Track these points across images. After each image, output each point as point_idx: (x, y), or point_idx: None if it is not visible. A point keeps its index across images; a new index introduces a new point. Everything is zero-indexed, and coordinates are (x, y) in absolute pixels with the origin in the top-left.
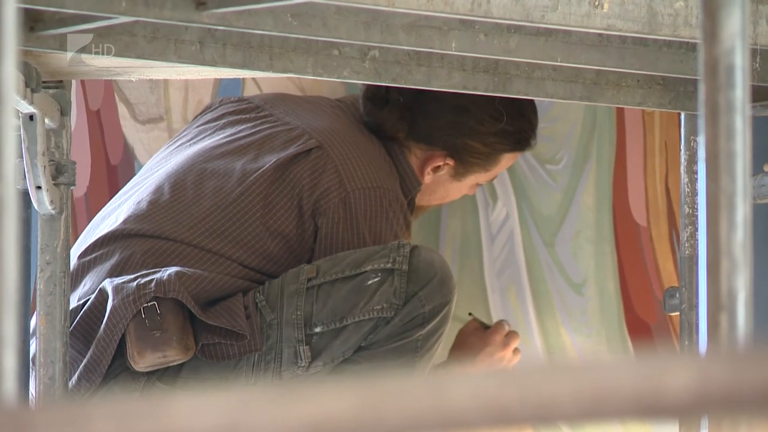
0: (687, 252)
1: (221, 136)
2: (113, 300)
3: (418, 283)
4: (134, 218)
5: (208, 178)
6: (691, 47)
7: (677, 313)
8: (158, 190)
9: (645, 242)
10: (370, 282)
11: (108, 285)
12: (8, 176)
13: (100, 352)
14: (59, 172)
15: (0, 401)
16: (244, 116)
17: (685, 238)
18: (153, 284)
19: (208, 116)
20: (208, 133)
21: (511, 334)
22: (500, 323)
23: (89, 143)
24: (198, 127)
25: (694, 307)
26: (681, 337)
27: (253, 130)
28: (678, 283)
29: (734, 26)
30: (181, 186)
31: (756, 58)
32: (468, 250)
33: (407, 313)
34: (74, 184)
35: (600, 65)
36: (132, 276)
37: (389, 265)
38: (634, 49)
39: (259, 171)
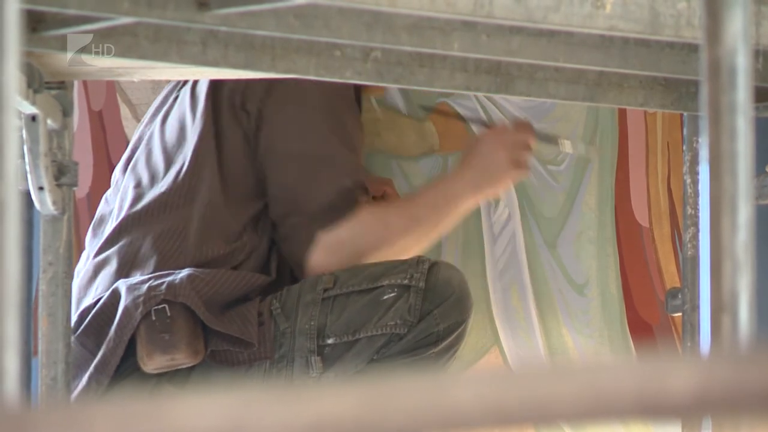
0: (689, 253)
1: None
2: (125, 300)
3: (434, 301)
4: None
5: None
6: (694, 48)
7: (679, 314)
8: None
9: (647, 243)
10: (385, 297)
11: (122, 285)
12: (10, 177)
13: (110, 352)
14: (61, 172)
15: (1, 402)
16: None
17: (688, 239)
18: (164, 287)
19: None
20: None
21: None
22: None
23: (91, 144)
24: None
25: (696, 308)
26: (683, 338)
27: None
28: (680, 283)
29: (737, 27)
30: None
31: (758, 59)
32: (470, 250)
33: (421, 330)
34: (77, 185)
35: (602, 66)
36: (147, 276)
37: (406, 281)
38: (637, 49)
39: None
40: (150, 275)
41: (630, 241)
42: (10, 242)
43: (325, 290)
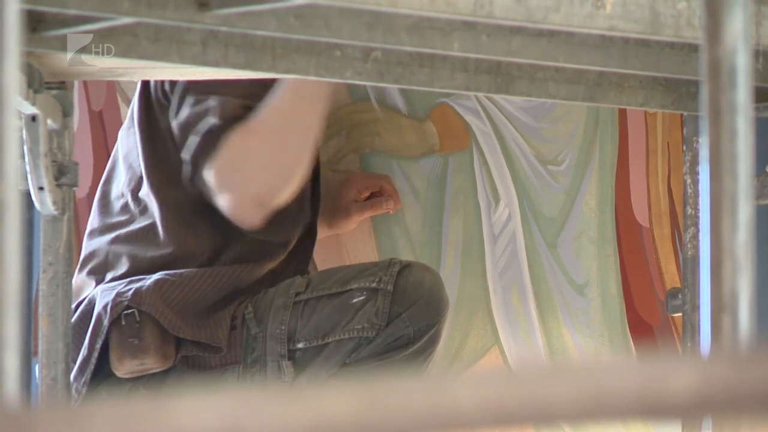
0: (690, 253)
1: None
2: (98, 307)
3: (402, 304)
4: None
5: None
6: (694, 48)
7: (680, 314)
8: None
9: (647, 243)
10: (354, 300)
11: (98, 291)
12: (10, 177)
13: (84, 360)
14: (62, 173)
15: (1, 402)
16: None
17: (688, 239)
18: (130, 293)
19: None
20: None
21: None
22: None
23: (91, 144)
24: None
25: (696, 308)
26: (683, 338)
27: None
28: (680, 283)
29: (737, 27)
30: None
31: (758, 59)
32: (470, 250)
33: (390, 333)
34: (77, 185)
35: (602, 66)
36: (119, 281)
37: (374, 285)
38: (637, 50)
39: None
40: (123, 279)
41: (630, 241)
42: (10, 242)
43: (297, 294)
